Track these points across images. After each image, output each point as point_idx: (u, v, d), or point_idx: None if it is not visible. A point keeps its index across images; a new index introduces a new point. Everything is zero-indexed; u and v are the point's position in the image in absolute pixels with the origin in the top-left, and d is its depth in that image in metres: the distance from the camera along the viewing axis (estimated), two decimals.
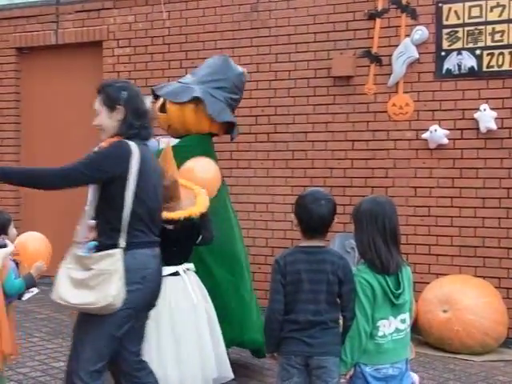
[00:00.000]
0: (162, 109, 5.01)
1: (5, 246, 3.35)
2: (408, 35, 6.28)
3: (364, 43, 6.47)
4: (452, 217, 6.14)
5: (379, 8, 6.39)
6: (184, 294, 3.91)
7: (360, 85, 6.49)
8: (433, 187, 6.22)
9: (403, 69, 6.27)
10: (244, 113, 6.96)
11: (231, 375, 4.06)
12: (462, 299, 5.59)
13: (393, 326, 3.14)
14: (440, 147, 6.16)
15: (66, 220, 6.09)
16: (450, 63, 6.14)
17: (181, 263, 4.00)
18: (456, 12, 6.10)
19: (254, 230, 6.80)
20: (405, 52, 6.26)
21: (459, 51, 6.10)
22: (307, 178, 6.66)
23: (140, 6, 7.50)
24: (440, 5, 6.16)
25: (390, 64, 6.35)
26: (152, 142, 5.30)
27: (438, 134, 6.12)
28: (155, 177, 3.45)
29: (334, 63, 6.52)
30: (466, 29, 6.05)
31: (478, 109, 5.99)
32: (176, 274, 3.95)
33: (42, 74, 8.18)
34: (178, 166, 4.23)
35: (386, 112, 6.39)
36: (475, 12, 6.03)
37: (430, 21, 6.22)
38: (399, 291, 3.12)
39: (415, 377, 3.30)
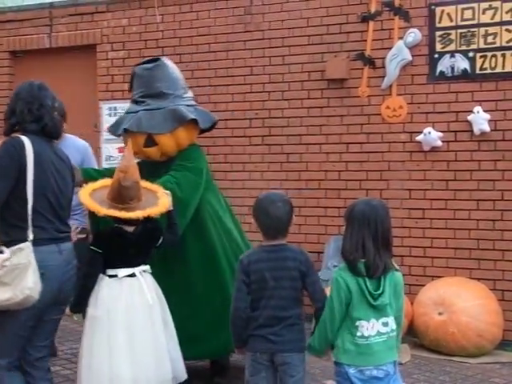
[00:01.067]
0: (148, 143, 4.59)
1: None
2: (401, 38, 6.28)
3: (357, 46, 6.47)
4: (446, 219, 6.15)
5: (372, 11, 6.40)
6: (140, 295, 3.89)
7: (354, 87, 6.49)
8: (427, 189, 6.23)
9: (396, 71, 6.28)
10: (238, 116, 6.98)
11: (185, 376, 4.06)
12: (457, 301, 5.60)
13: (375, 329, 3.16)
14: (434, 149, 6.17)
15: None
16: (444, 65, 6.15)
17: (138, 265, 3.98)
18: (449, 14, 6.11)
19: (248, 234, 6.79)
20: (398, 54, 6.27)
21: (452, 53, 6.11)
22: (302, 180, 6.67)
23: (134, 10, 7.49)
24: (433, 7, 6.17)
25: (383, 66, 6.36)
26: (78, 141, 5.36)
27: (431, 136, 6.12)
28: (56, 172, 3.56)
29: (327, 66, 6.52)
30: (459, 31, 6.06)
31: (471, 111, 6.00)
32: (132, 275, 3.92)
33: (35, 78, 7.95)
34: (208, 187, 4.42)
35: (379, 115, 6.40)
36: (468, 14, 6.03)
37: (423, 23, 6.23)
38: (378, 292, 3.14)
39: None
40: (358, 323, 3.15)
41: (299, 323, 3.35)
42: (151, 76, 4.71)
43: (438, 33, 6.15)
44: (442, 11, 6.13)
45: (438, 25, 6.15)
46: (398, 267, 3.30)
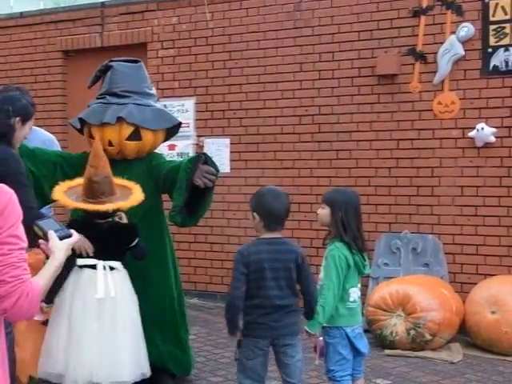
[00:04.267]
0: (133, 136, 4.51)
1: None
2: (453, 32, 6.19)
3: (408, 41, 6.39)
4: (500, 216, 6.04)
5: (424, 5, 6.31)
6: (93, 288, 3.93)
7: (405, 83, 6.42)
8: (480, 186, 6.12)
9: (449, 66, 6.19)
10: (287, 113, 6.96)
11: (148, 372, 4.04)
12: (510, 300, 5.48)
13: (358, 293, 3.84)
14: (487, 145, 6.07)
15: None
16: (497, 60, 6.04)
17: (106, 260, 4.02)
18: (503, 8, 5.99)
19: (298, 231, 6.79)
20: (450, 49, 6.18)
21: (507, 47, 5.99)
22: (352, 177, 6.62)
23: (183, 8, 7.54)
24: (486, 1, 6.05)
25: (435, 62, 6.27)
26: (45, 135, 5.29)
27: (484, 132, 6.02)
28: None
29: (378, 62, 6.46)
30: None
31: None
32: (94, 267, 3.99)
33: (87, 76, 8.21)
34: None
35: (431, 110, 6.31)
36: None
37: (476, 17, 6.12)
38: (365, 263, 3.83)
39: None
40: (350, 290, 3.76)
41: (296, 310, 3.65)
42: (135, 74, 4.70)
43: (492, 26, 6.04)
44: (496, 4, 6.02)
45: (491, 18, 6.04)
46: None
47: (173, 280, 4.67)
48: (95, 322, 3.90)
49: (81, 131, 4.75)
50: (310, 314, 3.69)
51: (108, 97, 4.63)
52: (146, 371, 4.03)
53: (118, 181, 4.14)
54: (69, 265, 3.84)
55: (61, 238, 2.35)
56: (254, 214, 3.62)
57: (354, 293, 3.79)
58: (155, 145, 4.71)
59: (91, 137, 4.56)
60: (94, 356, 3.85)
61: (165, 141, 4.91)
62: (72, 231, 2.42)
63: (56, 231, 2.37)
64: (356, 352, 3.82)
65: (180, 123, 4.85)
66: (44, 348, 3.96)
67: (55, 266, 2.26)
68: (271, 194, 3.66)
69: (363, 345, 3.85)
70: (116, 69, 4.69)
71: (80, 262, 4.01)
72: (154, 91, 4.85)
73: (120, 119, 4.48)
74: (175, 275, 4.73)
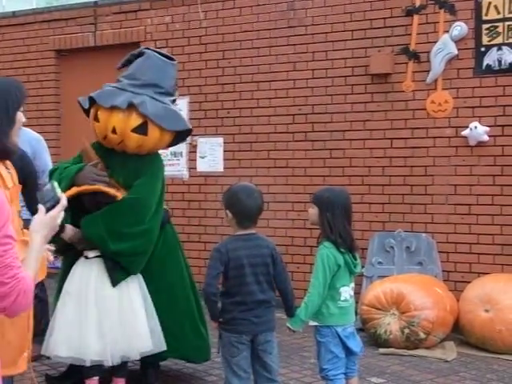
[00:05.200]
0: (140, 130, 4.25)
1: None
2: (447, 31, 6.20)
3: (402, 40, 6.40)
4: (493, 215, 6.05)
5: (417, 4, 6.32)
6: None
7: (398, 82, 6.43)
8: (473, 185, 6.14)
9: (442, 65, 6.20)
10: (281, 112, 6.96)
11: (164, 347, 4.26)
12: (503, 298, 5.49)
13: (350, 292, 3.82)
14: (480, 144, 6.08)
15: None
16: (490, 59, 6.05)
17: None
18: (496, 7, 6.01)
19: (291, 230, 6.80)
20: (443, 48, 6.19)
21: (499, 46, 6.01)
22: (345, 176, 6.63)
23: (177, 7, 7.53)
24: (479, 0, 6.07)
25: (428, 61, 6.28)
26: (31, 134, 5.32)
27: (478, 130, 6.03)
28: None
29: (371, 61, 6.47)
30: (507, 23, 5.95)
31: None
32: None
33: (80, 76, 8.26)
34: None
35: (424, 109, 6.32)
36: None
37: (469, 16, 6.14)
38: (356, 262, 3.82)
39: None
40: (341, 290, 3.76)
41: (273, 305, 3.70)
42: (164, 69, 4.45)
43: (485, 26, 6.05)
44: (489, 3, 6.03)
45: (484, 17, 6.05)
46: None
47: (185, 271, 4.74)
48: (118, 304, 4.16)
49: (87, 112, 4.47)
50: (289, 310, 3.76)
51: (126, 81, 4.37)
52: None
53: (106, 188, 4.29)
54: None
55: (49, 209, 2.33)
56: (227, 211, 3.66)
57: (346, 292, 3.80)
58: (159, 145, 4.42)
59: (96, 119, 4.32)
60: (119, 336, 4.12)
61: (170, 146, 4.66)
62: (62, 197, 2.38)
63: (47, 202, 2.34)
64: (348, 351, 3.83)
65: (191, 130, 4.59)
66: (62, 332, 4.14)
67: (34, 251, 2.27)
68: (243, 191, 3.68)
69: (355, 344, 3.85)
70: (148, 57, 4.45)
71: (90, 254, 4.23)
72: (175, 94, 4.65)
73: (131, 107, 4.19)
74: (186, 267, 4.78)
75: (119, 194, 4.22)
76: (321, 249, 3.78)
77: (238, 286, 3.60)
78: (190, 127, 4.57)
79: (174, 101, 4.57)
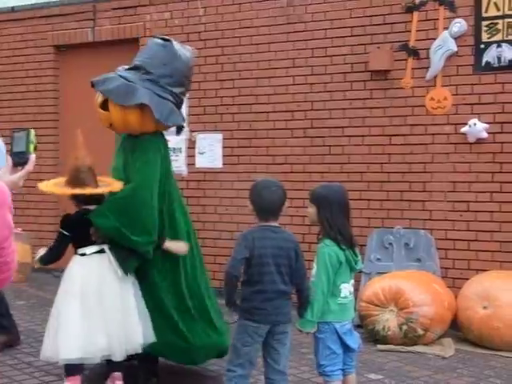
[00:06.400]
0: (104, 105, 4.48)
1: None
2: (446, 28, 6.19)
3: (401, 37, 6.40)
4: (492, 212, 6.06)
5: (417, 1, 6.31)
6: (109, 269, 4.24)
7: (397, 79, 6.43)
8: (472, 182, 6.14)
9: (441, 62, 6.20)
10: (280, 108, 6.96)
11: (153, 339, 4.33)
12: (502, 295, 5.50)
13: (350, 289, 3.84)
14: (479, 141, 6.08)
15: None
16: (490, 56, 6.05)
17: (103, 242, 4.31)
18: (496, 4, 6.00)
19: (290, 226, 6.78)
20: (443, 45, 6.19)
21: (499, 44, 6.00)
22: (344, 173, 6.63)
23: (176, 3, 7.52)
24: None
25: (427, 57, 6.28)
26: None
27: (477, 127, 6.03)
28: None
29: (370, 57, 6.46)
30: (506, 20, 5.95)
31: None
32: (101, 251, 4.29)
33: (79, 72, 8.26)
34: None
35: (423, 106, 6.32)
36: None
37: (468, 13, 6.13)
38: (357, 259, 3.85)
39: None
40: (341, 286, 3.78)
41: (290, 298, 3.76)
42: (151, 50, 4.61)
43: (485, 22, 6.05)
44: (489, 0, 6.03)
45: (484, 14, 6.05)
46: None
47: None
48: (120, 299, 4.23)
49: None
50: (302, 308, 3.78)
51: (155, 71, 4.51)
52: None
53: (99, 177, 4.38)
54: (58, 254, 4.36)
55: (16, 165, 2.10)
56: (248, 202, 3.78)
57: (345, 288, 3.81)
58: (129, 124, 4.42)
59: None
60: (122, 330, 4.19)
61: (161, 129, 4.60)
62: (31, 157, 2.12)
63: (16, 154, 2.11)
64: (346, 348, 3.85)
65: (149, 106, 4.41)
66: (65, 331, 4.14)
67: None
68: (261, 184, 3.82)
69: (353, 340, 3.87)
70: (177, 53, 4.58)
71: (88, 251, 4.29)
72: (163, 74, 4.48)
73: (92, 85, 4.52)
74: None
75: (111, 188, 4.33)
76: (322, 247, 3.78)
77: (259, 274, 3.65)
78: (143, 102, 4.35)
79: (155, 80, 4.47)
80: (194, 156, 7.38)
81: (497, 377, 4.95)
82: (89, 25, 8.08)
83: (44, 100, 8.34)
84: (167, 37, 4.72)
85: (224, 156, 7.23)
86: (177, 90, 4.57)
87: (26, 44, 8.44)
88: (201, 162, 7.32)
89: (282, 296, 3.69)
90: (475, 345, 5.61)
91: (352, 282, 3.90)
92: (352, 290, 3.89)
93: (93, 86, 4.54)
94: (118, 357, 4.19)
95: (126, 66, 4.64)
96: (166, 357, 4.72)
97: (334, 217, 3.78)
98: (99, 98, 4.53)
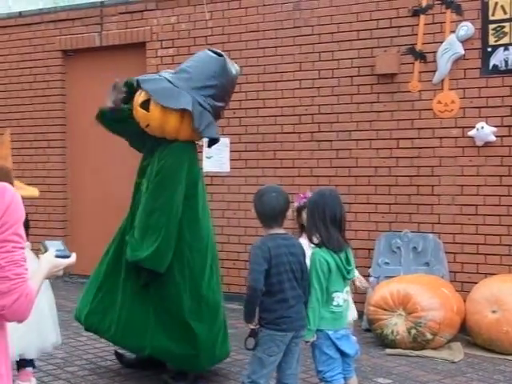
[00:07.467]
0: (145, 104, 4.59)
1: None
2: (453, 31, 6.19)
3: (408, 40, 6.39)
4: (500, 215, 6.04)
5: (423, 4, 6.31)
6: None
7: (404, 82, 6.42)
8: (480, 185, 6.12)
9: (448, 65, 6.19)
10: (287, 112, 6.96)
11: (60, 339, 4.56)
12: (511, 299, 5.47)
13: (344, 298, 3.82)
14: (487, 144, 6.07)
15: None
16: (497, 59, 6.04)
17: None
18: (503, 7, 5.99)
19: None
20: (450, 48, 6.18)
21: (506, 47, 5.99)
22: (351, 176, 6.62)
23: (182, 7, 7.53)
24: (486, 0, 6.05)
25: (434, 61, 6.27)
26: None
27: (484, 131, 6.02)
28: None
29: (377, 61, 6.46)
30: None
31: None
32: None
33: (86, 76, 8.28)
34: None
35: (431, 110, 6.31)
36: None
37: (475, 16, 6.12)
38: (350, 268, 3.81)
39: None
40: (334, 295, 3.77)
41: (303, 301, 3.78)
42: (202, 61, 4.73)
43: (492, 26, 6.04)
44: (496, 3, 6.02)
45: (491, 17, 6.04)
46: (348, 244, 3.90)
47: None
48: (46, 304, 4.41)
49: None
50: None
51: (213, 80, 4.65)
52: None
53: (16, 181, 4.37)
54: None
55: (58, 257, 2.35)
56: (253, 210, 3.82)
57: (338, 297, 3.80)
58: (167, 126, 4.54)
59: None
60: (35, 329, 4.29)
61: (198, 138, 4.80)
62: (72, 254, 2.39)
63: (57, 251, 2.36)
64: (342, 353, 3.83)
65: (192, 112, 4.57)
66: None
67: (41, 274, 2.25)
68: (262, 191, 3.83)
69: (349, 346, 3.85)
70: (228, 68, 4.70)
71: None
72: (209, 85, 4.61)
73: (138, 83, 4.61)
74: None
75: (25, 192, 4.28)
76: (313, 254, 3.80)
77: (279, 283, 3.66)
78: (187, 108, 4.48)
79: (203, 89, 4.59)
80: (201, 160, 7.38)
81: (506, 381, 4.93)
82: (96, 29, 8.10)
83: (52, 104, 8.36)
84: (220, 51, 4.80)
85: (231, 160, 7.24)
86: (218, 103, 4.67)
87: (33, 49, 8.47)
88: (208, 167, 7.32)
89: (301, 300, 3.72)
90: (484, 349, 5.59)
91: (346, 289, 3.89)
92: (347, 297, 3.88)
93: (137, 84, 4.61)
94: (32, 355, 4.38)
95: (171, 70, 4.75)
96: (169, 362, 4.77)
97: (319, 223, 3.77)
98: (141, 97, 4.58)
